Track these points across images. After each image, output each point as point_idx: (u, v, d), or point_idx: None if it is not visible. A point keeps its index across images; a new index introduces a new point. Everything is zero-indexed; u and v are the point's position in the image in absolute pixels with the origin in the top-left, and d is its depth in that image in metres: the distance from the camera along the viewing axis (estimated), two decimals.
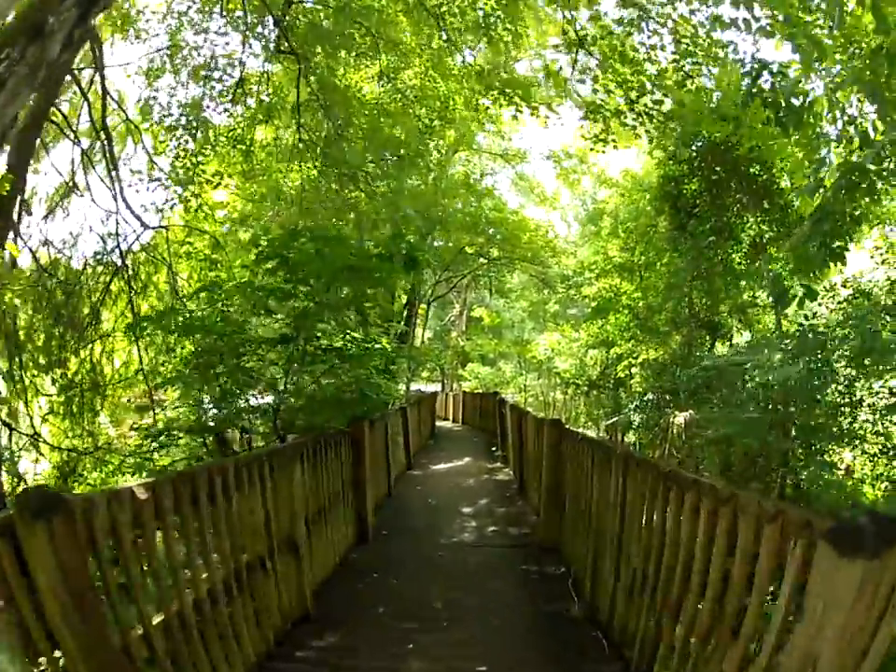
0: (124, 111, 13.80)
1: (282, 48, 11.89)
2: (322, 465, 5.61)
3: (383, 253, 7.64)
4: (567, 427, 6.22)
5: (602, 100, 7.69)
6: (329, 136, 11.25)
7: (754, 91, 5.43)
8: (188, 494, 3.20)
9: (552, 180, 52.21)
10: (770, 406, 9.18)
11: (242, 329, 7.27)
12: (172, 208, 13.02)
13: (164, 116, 12.90)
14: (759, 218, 11.76)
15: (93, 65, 12.29)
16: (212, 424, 7.05)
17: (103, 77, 12.50)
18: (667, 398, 12.17)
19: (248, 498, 3.96)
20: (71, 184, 12.65)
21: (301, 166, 12.28)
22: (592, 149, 9.43)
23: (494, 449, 12.44)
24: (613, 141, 8.82)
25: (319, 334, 7.20)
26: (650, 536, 3.30)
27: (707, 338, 14.02)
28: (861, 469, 10.28)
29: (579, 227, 25.36)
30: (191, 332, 8.13)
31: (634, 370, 15.19)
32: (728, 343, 11.56)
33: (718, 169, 11.92)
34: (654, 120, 7.95)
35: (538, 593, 5.07)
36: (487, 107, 10.80)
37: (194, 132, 13.01)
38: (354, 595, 5.10)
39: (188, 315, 8.14)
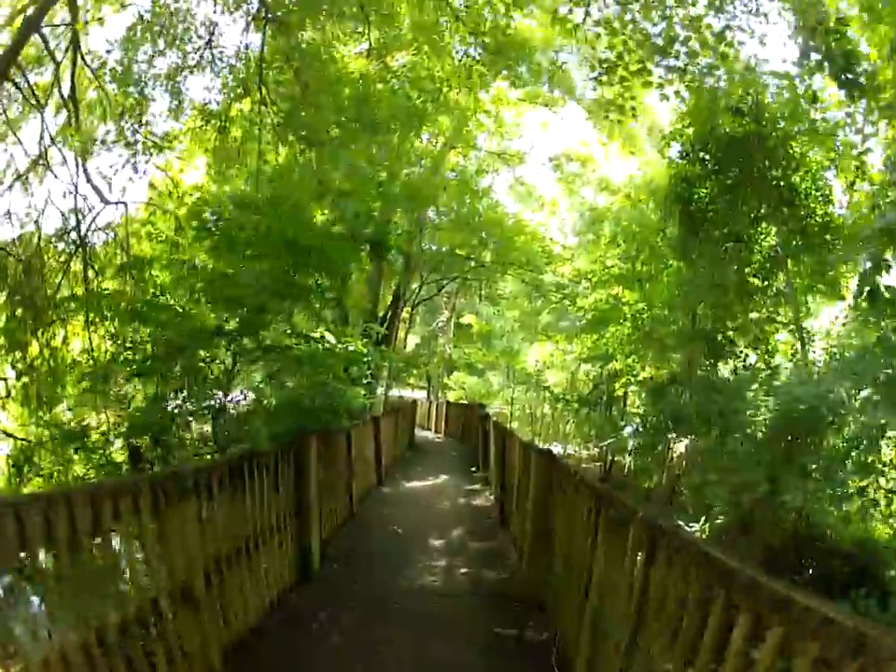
0: (98, 79, 12.78)
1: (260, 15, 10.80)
2: (246, 492, 4.42)
3: (343, 233, 6.48)
4: (562, 460, 5.00)
5: (620, 57, 6.51)
6: (296, 99, 10.06)
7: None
8: None
9: (551, 186, 51.32)
10: (783, 436, 8.13)
11: (182, 319, 6.13)
12: (133, 178, 11.99)
13: (140, 83, 11.95)
14: (779, 227, 10.70)
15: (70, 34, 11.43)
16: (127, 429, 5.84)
17: (76, 46, 11.59)
18: (668, 423, 11.07)
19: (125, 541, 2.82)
20: (38, 156, 11.68)
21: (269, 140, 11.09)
22: (606, 117, 8.26)
23: (474, 469, 11.29)
24: (633, 109, 7.61)
25: (265, 330, 6.07)
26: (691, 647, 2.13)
27: (711, 358, 12.98)
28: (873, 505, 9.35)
29: (577, 235, 24.27)
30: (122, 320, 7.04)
31: (633, 388, 14.04)
32: (742, 364, 10.43)
33: (735, 171, 10.86)
34: (688, 73, 6.70)
35: (511, 669, 3.93)
36: (483, 74, 9.67)
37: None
38: (279, 655, 3.95)
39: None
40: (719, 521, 7.82)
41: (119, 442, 6.27)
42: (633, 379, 13.80)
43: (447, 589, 5.53)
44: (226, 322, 6.14)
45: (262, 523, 4.77)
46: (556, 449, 19.35)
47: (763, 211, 11.09)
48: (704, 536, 7.77)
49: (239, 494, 4.37)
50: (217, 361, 6.17)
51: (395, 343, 17.75)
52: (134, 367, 5.74)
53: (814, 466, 7.76)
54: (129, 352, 6.55)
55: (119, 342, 8.65)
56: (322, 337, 6.92)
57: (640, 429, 12.00)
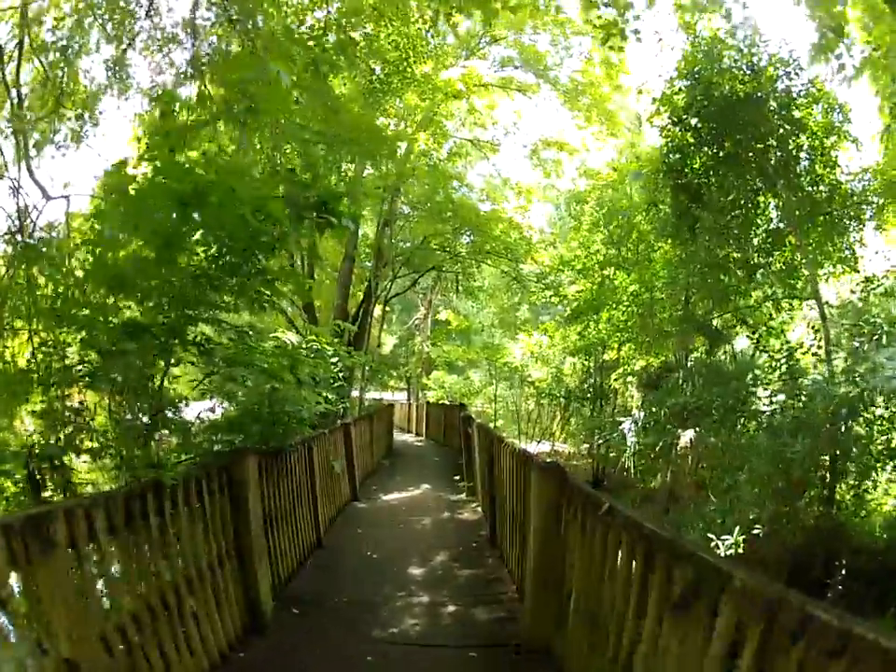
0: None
1: None
2: (154, 531, 3.34)
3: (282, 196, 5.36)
4: (578, 482, 3.90)
5: None
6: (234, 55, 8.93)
7: None
8: None
9: (529, 175, 50.40)
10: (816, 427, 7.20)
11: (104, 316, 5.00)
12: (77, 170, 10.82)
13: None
14: (783, 197, 9.79)
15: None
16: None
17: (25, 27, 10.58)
18: (671, 416, 10.12)
19: None
20: None
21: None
22: (605, 44, 7.21)
23: (458, 478, 10.24)
24: (636, 33, 6.58)
25: (193, 325, 4.95)
26: None
27: (709, 343, 12.09)
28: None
29: (557, 220, 23.31)
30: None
31: (630, 378, 13.10)
32: (756, 346, 9.52)
33: (734, 136, 9.92)
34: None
35: None
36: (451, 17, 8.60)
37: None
38: None
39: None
40: (756, 531, 6.83)
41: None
42: (630, 368, 12.82)
43: (431, 636, 4.48)
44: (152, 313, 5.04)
45: (188, 568, 3.69)
46: (543, 447, 18.60)
47: (762, 180, 10.19)
48: (739, 550, 6.79)
49: (144, 535, 3.28)
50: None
51: (367, 343, 16.65)
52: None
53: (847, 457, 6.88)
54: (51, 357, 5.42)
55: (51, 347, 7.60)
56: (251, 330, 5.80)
57: (640, 424, 11.06)
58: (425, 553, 6.62)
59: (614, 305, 12.34)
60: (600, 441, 14.84)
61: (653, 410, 10.56)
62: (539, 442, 19.45)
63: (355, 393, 16.93)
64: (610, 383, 15.31)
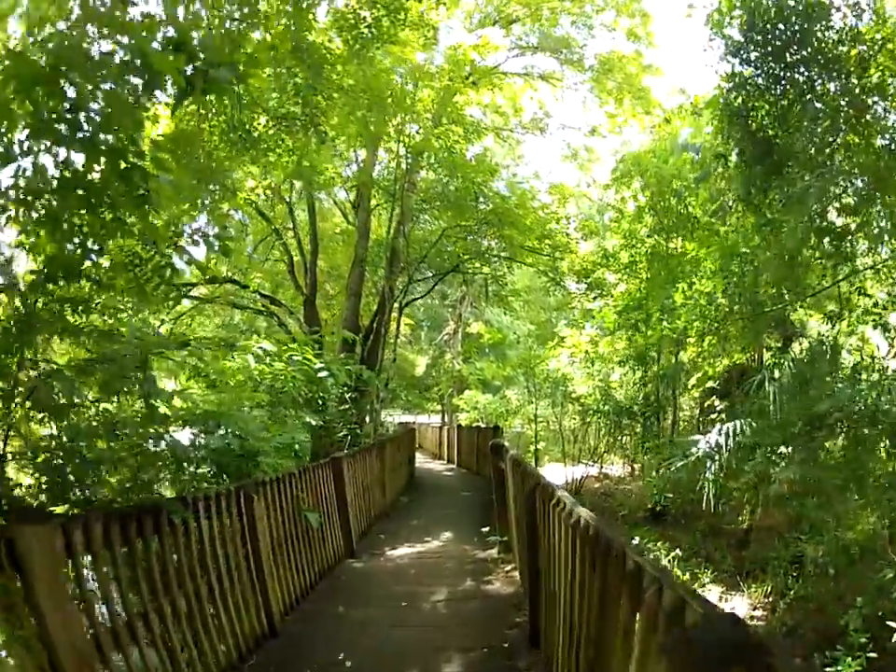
0: None
1: None
2: None
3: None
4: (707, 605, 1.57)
5: None
6: None
7: None
8: None
9: (560, 167, 48.03)
10: None
11: None
12: None
13: None
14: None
15: None
16: None
17: None
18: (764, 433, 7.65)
19: None
20: None
21: None
22: None
23: (487, 530, 7.78)
24: None
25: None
26: None
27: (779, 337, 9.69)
28: None
29: (593, 217, 20.86)
30: None
31: (711, 384, 10.63)
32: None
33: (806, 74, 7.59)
34: None
35: None
36: None
37: None
38: None
39: None
40: None
41: None
42: (712, 370, 10.39)
43: None
44: None
45: None
46: (591, 469, 15.96)
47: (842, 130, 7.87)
48: None
49: None
50: None
51: (382, 358, 14.41)
52: None
53: None
54: None
55: None
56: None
57: (722, 443, 8.59)
58: (429, 659, 4.30)
59: (688, 285, 9.88)
60: (662, 464, 12.40)
61: (739, 423, 8.09)
62: (587, 465, 16.88)
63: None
64: (689, 390, 12.79)
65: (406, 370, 31.93)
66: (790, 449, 7.11)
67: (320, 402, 9.37)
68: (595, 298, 16.44)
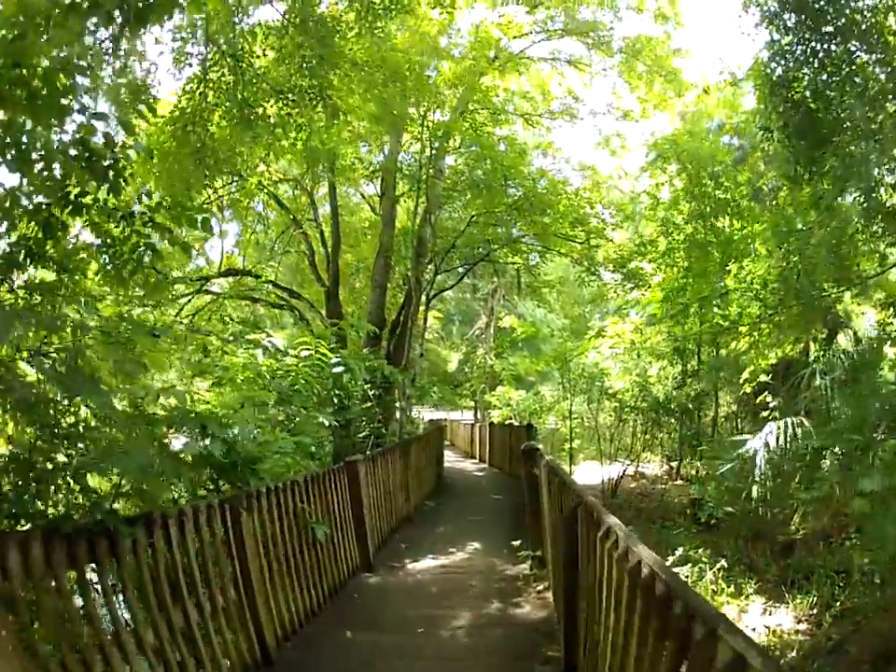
0: None
1: None
2: None
3: None
4: None
5: None
6: None
7: None
8: None
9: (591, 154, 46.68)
10: None
11: None
12: None
13: None
14: None
15: None
16: None
17: None
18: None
19: None
20: None
21: None
22: None
23: (518, 544, 7.02)
24: None
25: None
26: None
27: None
28: None
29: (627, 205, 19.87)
30: None
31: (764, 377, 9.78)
32: None
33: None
34: None
35: None
36: None
37: None
38: None
39: None
40: None
41: None
42: (765, 363, 9.57)
43: None
44: None
45: None
46: (626, 468, 15.05)
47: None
48: None
49: None
50: None
51: (408, 354, 13.75)
52: None
53: None
54: None
55: None
56: None
57: (773, 443, 7.78)
58: None
59: (739, 267, 9.02)
60: (704, 465, 11.65)
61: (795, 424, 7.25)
62: (623, 463, 16.02)
63: (398, 413, 14.05)
64: (742, 385, 11.90)
65: (438, 365, 31.35)
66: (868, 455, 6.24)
67: (338, 400, 8.77)
68: (631, 289, 15.62)
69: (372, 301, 14.31)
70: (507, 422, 21.03)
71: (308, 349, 7.27)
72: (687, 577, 7.33)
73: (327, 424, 7.28)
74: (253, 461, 4.99)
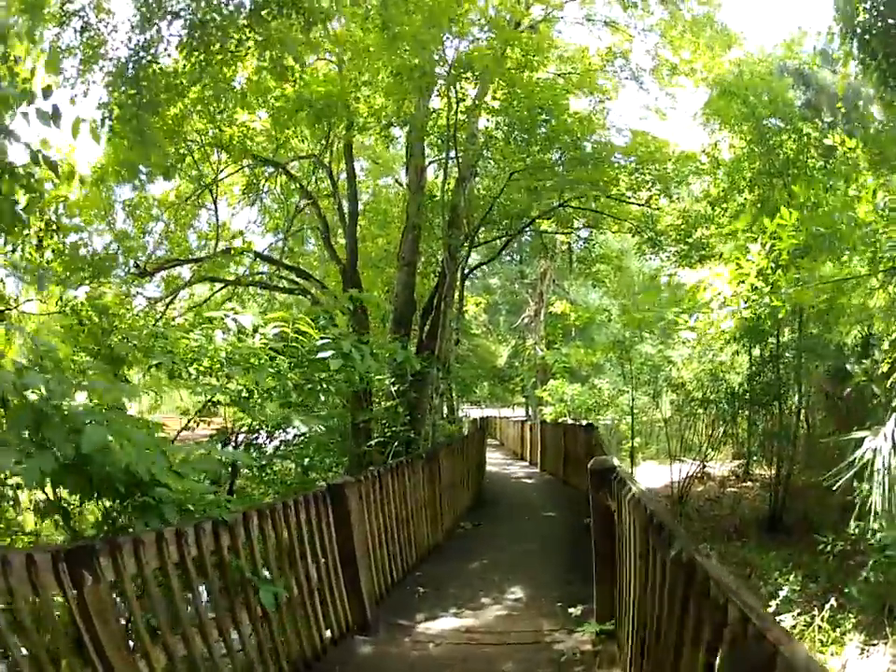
0: None
1: None
2: None
3: None
4: None
5: None
6: None
7: None
8: None
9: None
10: None
11: None
12: None
13: None
14: None
15: None
16: None
17: None
18: None
19: None
20: None
21: None
22: None
23: (574, 613, 4.84)
24: None
25: None
26: None
27: None
28: None
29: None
30: None
31: None
32: None
33: None
34: None
35: None
36: None
37: None
38: None
39: None
40: None
41: None
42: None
43: None
44: None
45: None
46: (693, 469, 12.95)
47: None
48: None
49: None
50: None
51: (444, 343, 11.68)
52: None
53: None
54: None
55: None
56: None
57: None
58: None
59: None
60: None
61: None
62: (687, 462, 13.83)
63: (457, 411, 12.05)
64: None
65: (486, 360, 29.27)
66: None
67: (339, 396, 6.83)
68: (698, 260, 13.36)
69: (399, 282, 12.33)
70: (560, 420, 18.88)
71: (281, 326, 5.35)
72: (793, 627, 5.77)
73: (304, 430, 5.35)
74: (147, 486, 3.12)
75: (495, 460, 19.41)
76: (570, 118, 10.99)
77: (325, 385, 5.69)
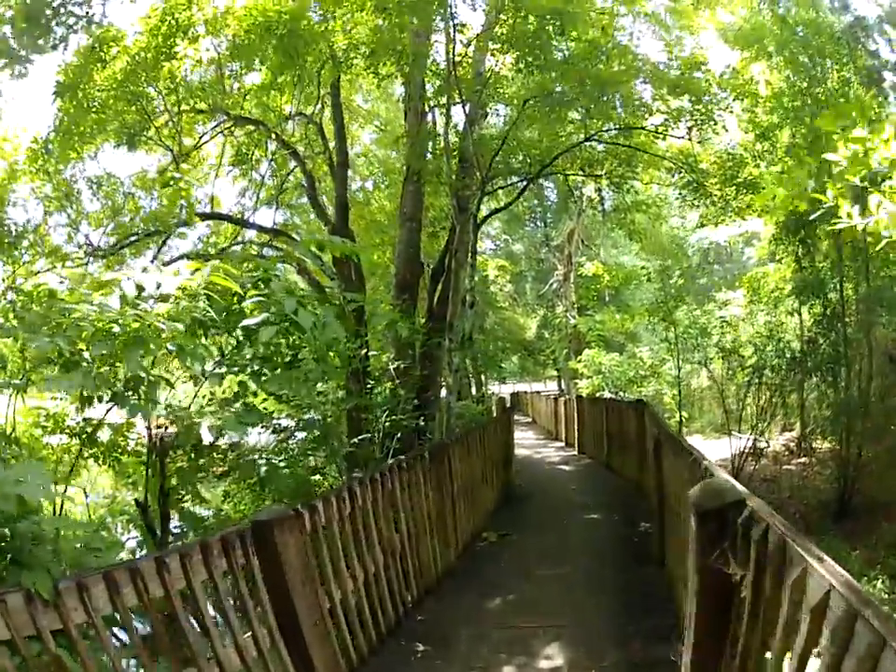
0: None
1: None
2: None
3: None
4: None
5: None
6: None
7: None
8: None
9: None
10: None
11: None
12: None
13: None
14: None
15: None
16: None
17: None
18: None
19: None
20: None
21: None
22: None
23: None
24: None
25: None
26: None
27: None
28: None
29: None
30: None
31: None
32: None
33: None
34: None
35: None
36: None
37: None
38: None
39: None
40: None
41: None
42: None
43: None
44: None
45: None
46: (743, 443, 11.72)
47: None
48: None
49: None
50: None
51: (456, 308, 9.83)
52: None
53: None
54: None
55: None
56: None
57: None
58: None
59: None
60: None
61: None
62: (737, 437, 12.19)
63: (444, 392, 10.33)
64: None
65: (515, 333, 27.55)
66: None
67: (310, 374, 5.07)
68: (746, 207, 11.48)
69: (401, 241, 10.55)
70: (597, 394, 17.04)
71: (192, 281, 3.62)
72: None
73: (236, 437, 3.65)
74: None
75: (526, 441, 17.64)
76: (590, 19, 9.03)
77: (259, 367, 3.93)
